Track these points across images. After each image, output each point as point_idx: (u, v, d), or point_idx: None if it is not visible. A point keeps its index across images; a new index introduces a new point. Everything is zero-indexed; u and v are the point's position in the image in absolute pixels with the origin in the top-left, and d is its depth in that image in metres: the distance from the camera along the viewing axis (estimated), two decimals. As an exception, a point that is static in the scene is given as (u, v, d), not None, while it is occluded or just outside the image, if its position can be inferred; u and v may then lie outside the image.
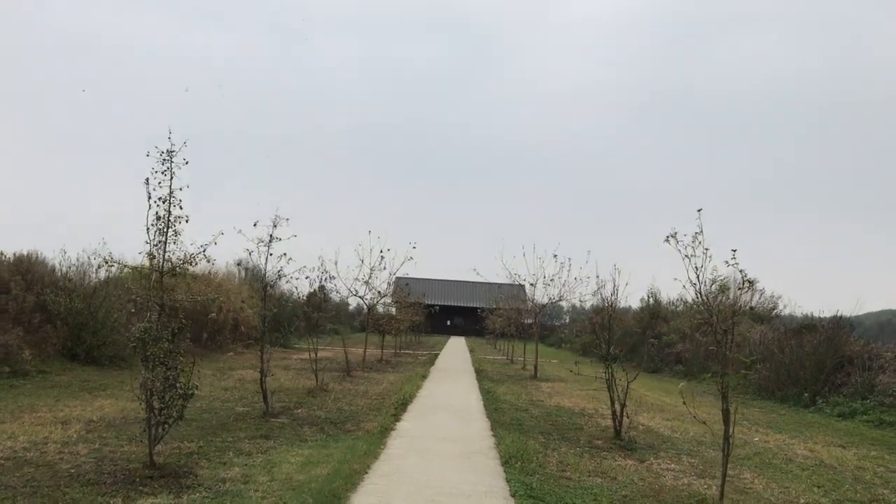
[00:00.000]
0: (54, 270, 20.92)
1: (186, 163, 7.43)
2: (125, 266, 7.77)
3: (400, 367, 25.78)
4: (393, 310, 33.87)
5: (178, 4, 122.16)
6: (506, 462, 8.78)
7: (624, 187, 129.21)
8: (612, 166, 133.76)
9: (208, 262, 7.66)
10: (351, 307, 58.77)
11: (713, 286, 7.41)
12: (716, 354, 7.46)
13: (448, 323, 79.94)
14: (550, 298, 24.32)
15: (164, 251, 7.42)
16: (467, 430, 11.37)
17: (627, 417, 11.64)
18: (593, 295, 23.95)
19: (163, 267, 7.45)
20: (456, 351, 41.84)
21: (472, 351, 42.55)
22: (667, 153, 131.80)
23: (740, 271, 7.09)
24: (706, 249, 7.29)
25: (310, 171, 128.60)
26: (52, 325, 18.42)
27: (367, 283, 23.61)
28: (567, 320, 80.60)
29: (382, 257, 23.35)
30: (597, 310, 47.47)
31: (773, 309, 36.93)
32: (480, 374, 24.73)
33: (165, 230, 7.39)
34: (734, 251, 7.11)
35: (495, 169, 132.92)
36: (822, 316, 23.17)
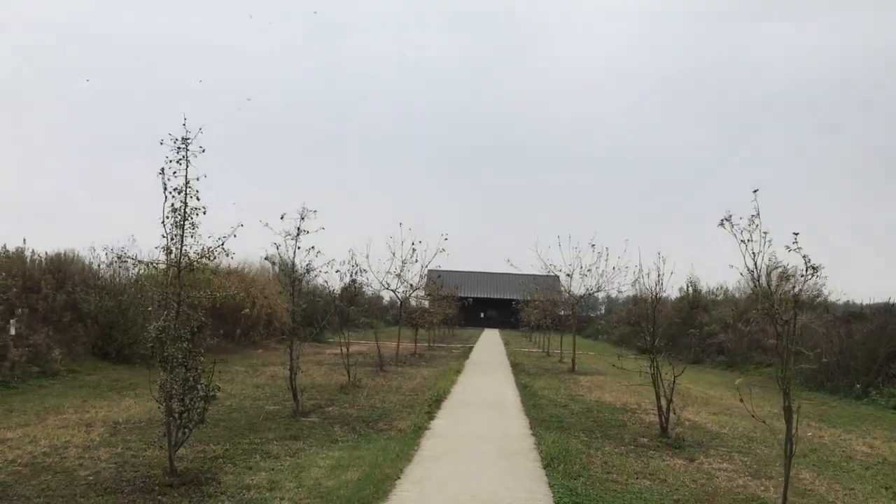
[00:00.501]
0: (84, 269, 20.78)
1: (203, 150, 7.01)
2: (140, 262, 7.30)
3: (434, 361, 25.36)
4: (426, 303, 33.46)
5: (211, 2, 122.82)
6: (547, 464, 8.25)
7: (661, 176, 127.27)
8: (648, 156, 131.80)
9: (227, 255, 7.22)
10: (385, 301, 58.51)
11: (770, 273, 6.77)
12: (776, 347, 6.79)
13: (482, 315, 79.42)
14: (587, 289, 23.66)
15: (182, 244, 7.00)
16: (505, 429, 10.86)
17: (674, 413, 11.04)
18: (632, 285, 23.29)
19: (181, 261, 7.03)
20: (490, 344, 41.34)
21: (506, 344, 42.01)
22: (705, 140, 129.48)
23: (803, 257, 6.45)
24: (765, 233, 6.66)
25: (344, 165, 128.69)
26: (82, 323, 18.28)
27: (398, 276, 23.20)
28: (603, 311, 79.65)
29: (414, 250, 22.91)
30: (636, 300, 46.71)
31: (818, 297, 35.84)
32: (516, 367, 24.19)
33: (182, 222, 6.97)
34: (796, 234, 6.47)
35: (529, 161, 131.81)
36: (872, 303, 22.19)
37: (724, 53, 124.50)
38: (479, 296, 73.28)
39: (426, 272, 24.63)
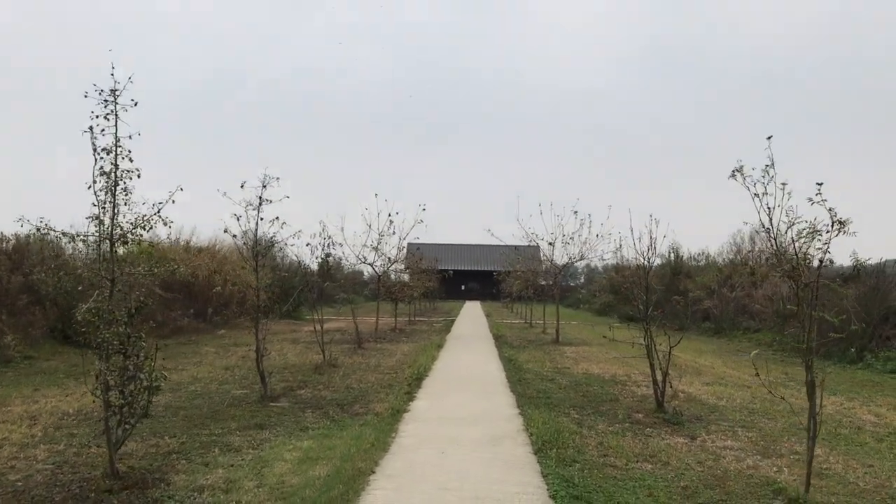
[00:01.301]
0: (44, 248, 19.66)
1: (135, 104, 6.03)
2: (64, 234, 6.31)
3: (414, 336, 24.56)
4: (406, 276, 32.58)
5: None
6: (538, 449, 7.45)
7: (641, 142, 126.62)
8: (628, 122, 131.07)
9: (165, 225, 6.28)
10: (365, 275, 57.62)
11: (790, 230, 5.95)
12: (797, 315, 6.01)
13: (463, 288, 78.78)
14: (570, 258, 22.89)
15: (114, 213, 6.05)
16: (490, 408, 10.07)
17: (670, 386, 10.31)
18: (615, 253, 22.56)
19: (112, 233, 6.08)
20: (472, 316, 40.62)
21: (488, 315, 41.34)
22: (685, 105, 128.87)
23: (829, 210, 5.62)
24: (783, 184, 5.82)
25: (316, 135, 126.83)
26: (40, 306, 17.25)
27: (375, 249, 22.32)
28: (582, 280, 79.24)
29: (391, 221, 22.02)
30: (617, 268, 46.07)
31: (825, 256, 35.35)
32: (499, 339, 23.46)
33: (113, 188, 6.01)
34: (819, 185, 5.64)
35: (507, 127, 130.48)
36: (865, 263, 21.55)
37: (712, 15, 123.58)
38: (459, 268, 72.51)
39: (404, 245, 23.76)
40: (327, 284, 29.69)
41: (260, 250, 10.65)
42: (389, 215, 21.89)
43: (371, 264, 22.79)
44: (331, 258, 20.19)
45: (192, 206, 10.98)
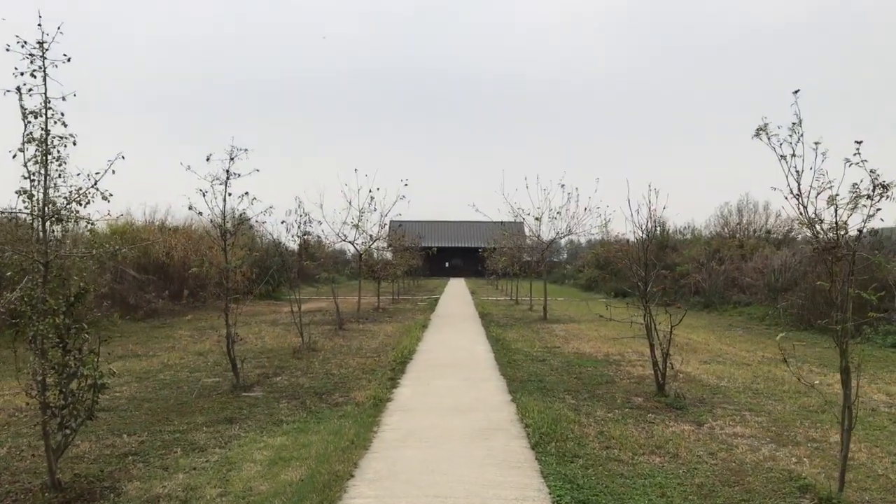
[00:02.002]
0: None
1: (68, 59, 5.19)
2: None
3: (398, 315, 23.83)
4: (388, 255, 31.79)
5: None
6: (536, 444, 6.75)
7: (623, 120, 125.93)
8: (611, 98, 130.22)
9: (105, 199, 5.46)
10: (348, 254, 56.77)
11: (818, 195, 5.22)
12: (829, 291, 5.32)
13: (447, 265, 78.08)
14: (558, 233, 22.20)
15: (46, 187, 5.22)
16: (480, 395, 9.37)
17: (672, 368, 9.65)
18: (602, 227, 21.92)
19: (45, 209, 5.25)
20: (457, 293, 39.95)
21: (473, 293, 40.69)
22: (662, 80, 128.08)
23: (870, 172, 4.90)
24: (816, 144, 5.09)
25: (296, 115, 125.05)
26: None
27: (356, 226, 21.50)
28: (565, 256, 78.73)
29: (372, 198, 21.22)
30: (603, 243, 45.46)
31: (789, 231, 34.98)
32: (486, 318, 22.80)
33: (44, 158, 5.18)
34: (859, 143, 4.91)
35: (490, 106, 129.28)
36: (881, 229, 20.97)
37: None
38: (443, 245, 71.77)
39: (387, 222, 22.95)
40: (307, 263, 28.91)
41: (228, 228, 9.82)
42: (370, 191, 21.10)
43: (352, 242, 22.01)
44: (310, 236, 19.35)
45: (170, 186, 10.11)
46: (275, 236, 19.12)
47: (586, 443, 7.03)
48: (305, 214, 14.75)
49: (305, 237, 18.10)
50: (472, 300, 33.16)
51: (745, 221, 35.54)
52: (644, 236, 10.02)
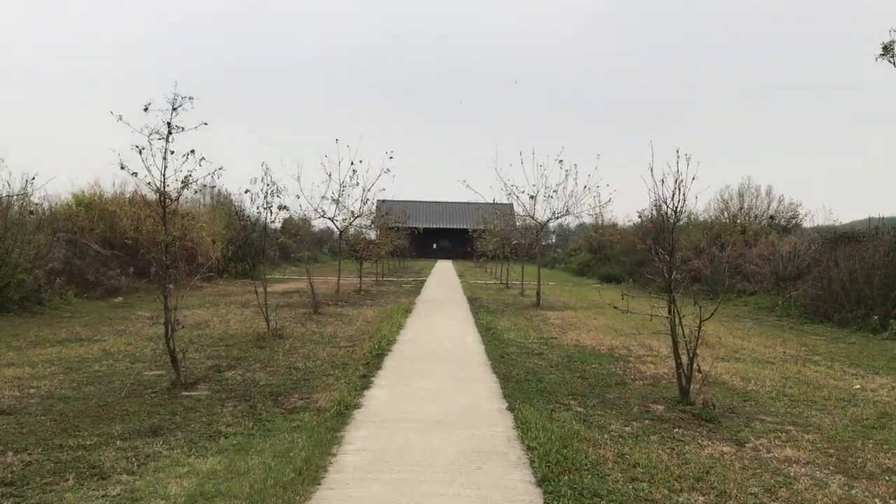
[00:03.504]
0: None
1: None
2: None
3: (380, 299, 22.20)
4: (373, 234, 30.08)
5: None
6: (544, 478, 5.14)
7: (620, 97, 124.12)
8: (601, 78, 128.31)
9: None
10: (334, 232, 54.98)
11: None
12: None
13: (434, 246, 76.41)
14: (554, 212, 20.58)
15: None
16: (469, 400, 7.76)
17: (699, 372, 8.07)
18: (603, 207, 20.35)
19: None
20: (444, 276, 38.35)
21: (461, 276, 39.09)
22: (662, 60, 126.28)
23: None
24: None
25: (282, 91, 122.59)
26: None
27: (336, 201, 19.83)
28: (554, 240, 77.15)
29: (354, 171, 19.54)
30: (596, 227, 43.95)
31: (793, 218, 33.55)
32: (474, 303, 21.22)
33: None
34: None
35: (483, 84, 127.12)
36: (880, 217, 19.49)
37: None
38: (430, 226, 70.09)
39: (370, 198, 21.25)
40: (285, 240, 27.24)
41: (167, 193, 8.13)
42: (352, 163, 19.42)
43: (331, 219, 20.34)
44: (287, 211, 17.63)
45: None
46: (255, 212, 17.39)
47: (605, 472, 5.45)
48: (273, 183, 13.02)
49: (283, 212, 16.42)
50: (460, 283, 31.56)
51: (746, 206, 34.03)
52: (672, 213, 8.39)
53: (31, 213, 17.13)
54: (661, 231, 30.29)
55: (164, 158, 8.06)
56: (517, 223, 28.31)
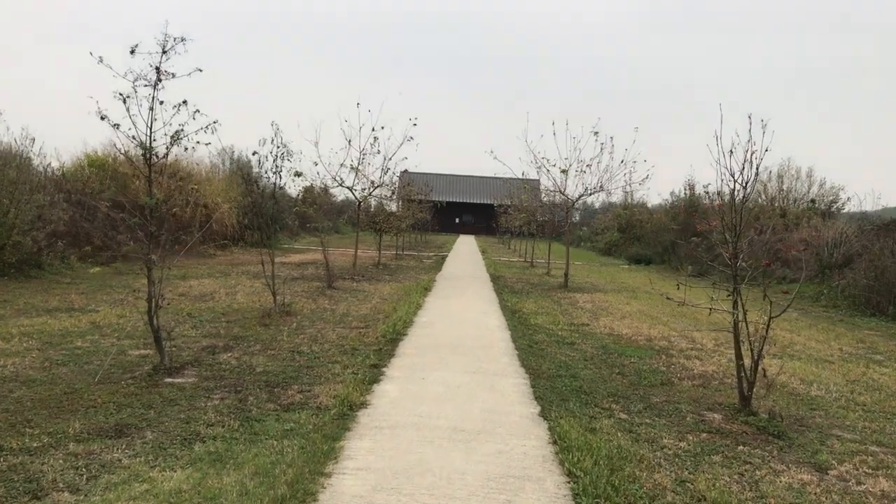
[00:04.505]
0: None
1: None
2: None
3: (399, 274, 21.13)
4: (394, 206, 28.94)
5: None
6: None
7: (649, 76, 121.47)
8: (635, 58, 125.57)
9: None
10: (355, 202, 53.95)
11: None
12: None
13: (457, 221, 75.18)
14: (587, 188, 19.31)
15: None
16: (494, 401, 6.64)
17: (765, 377, 6.90)
18: (641, 183, 19.05)
19: None
20: (467, 252, 37.20)
21: (484, 252, 37.90)
22: (701, 43, 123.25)
23: None
24: None
25: (307, 59, 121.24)
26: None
27: (356, 169, 18.71)
28: (577, 217, 75.58)
29: (376, 138, 18.39)
30: (626, 205, 42.55)
31: (834, 202, 31.95)
32: (497, 281, 20.08)
33: None
34: None
35: (515, 52, 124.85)
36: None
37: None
38: (454, 200, 68.85)
39: (391, 167, 20.06)
40: (304, 210, 26.19)
41: (155, 150, 7.04)
42: (373, 129, 18.25)
43: (350, 188, 19.22)
44: (301, 178, 16.54)
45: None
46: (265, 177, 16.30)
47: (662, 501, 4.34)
48: (283, 145, 11.90)
49: (299, 179, 15.33)
50: (482, 260, 30.39)
51: (786, 188, 32.43)
52: (740, 188, 7.18)
53: (29, 171, 16.18)
54: (694, 210, 28.70)
55: (152, 109, 6.97)
56: (543, 198, 27.09)
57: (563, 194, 19.93)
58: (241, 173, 28.28)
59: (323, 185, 21.32)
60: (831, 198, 31.44)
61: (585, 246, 50.64)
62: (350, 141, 18.13)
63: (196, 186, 24.04)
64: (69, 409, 5.78)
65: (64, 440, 5.01)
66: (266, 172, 12.03)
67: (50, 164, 20.97)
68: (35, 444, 4.89)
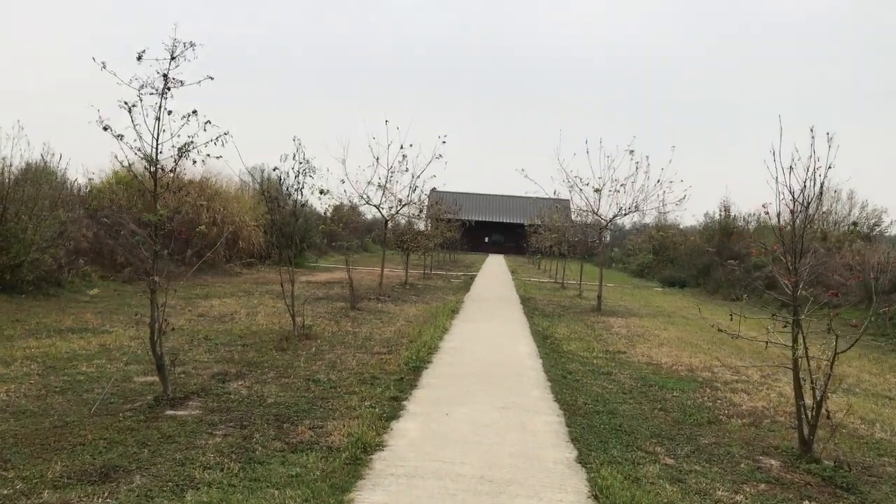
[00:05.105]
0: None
1: None
2: None
3: (426, 294, 20.53)
4: (422, 224, 28.39)
5: None
6: None
7: (684, 96, 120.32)
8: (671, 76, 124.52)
9: None
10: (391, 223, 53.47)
11: None
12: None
13: (486, 240, 74.44)
14: (620, 208, 18.59)
15: None
16: (525, 443, 5.97)
17: (829, 418, 6.17)
18: (678, 204, 18.32)
19: None
20: (496, 272, 36.52)
21: (513, 272, 37.19)
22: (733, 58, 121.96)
23: None
24: None
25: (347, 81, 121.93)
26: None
27: (383, 188, 18.21)
28: (608, 238, 74.43)
29: (404, 155, 17.88)
30: (658, 226, 41.57)
31: (877, 224, 30.80)
32: (528, 303, 19.39)
33: None
34: None
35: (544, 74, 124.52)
36: None
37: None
38: (483, 219, 68.20)
39: (419, 185, 19.51)
40: (332, 228, 25.76)
41: (162, 163, 6.54)
42: (402, 147, 17.75)
43: (377, 206, 18.72)
44: (327, 196, 16.03)
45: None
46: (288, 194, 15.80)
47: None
48: (305, 161, 11.40)
49: (325, 197, 14.83)
50: (512, 280, 29.69)
51: (825, 210, 31.31)
52: (800, 209, 6.50)
53: (49, 187, 15.90)
54: (726, 235, 27.77)
55: (158, 119, 6.48)
56: (574, 218, 26.37)
57: (597, 214, 19.22)
58: (261, 189, 27.95)
59: (350, 203, 20.87)
60: (874, 220, 30.33)
61: (617, 267, 49.70)
62: (378, 158, 17.67)
63: (205, 203, 23.68)
64: (54, 446, 5.23)
65: (40, 486, 4.46)
66: (287, 189, 11.52)
67: (76, 179, 20.77)
68: (5, 492, 4.34)
